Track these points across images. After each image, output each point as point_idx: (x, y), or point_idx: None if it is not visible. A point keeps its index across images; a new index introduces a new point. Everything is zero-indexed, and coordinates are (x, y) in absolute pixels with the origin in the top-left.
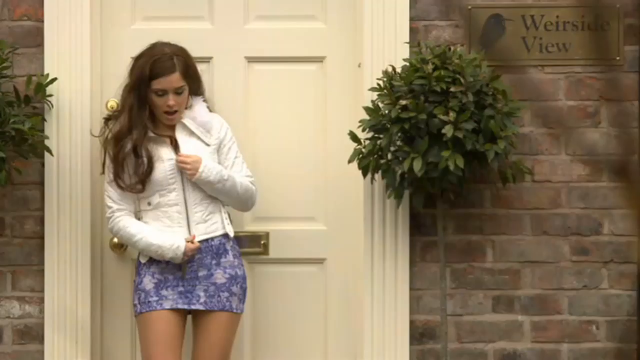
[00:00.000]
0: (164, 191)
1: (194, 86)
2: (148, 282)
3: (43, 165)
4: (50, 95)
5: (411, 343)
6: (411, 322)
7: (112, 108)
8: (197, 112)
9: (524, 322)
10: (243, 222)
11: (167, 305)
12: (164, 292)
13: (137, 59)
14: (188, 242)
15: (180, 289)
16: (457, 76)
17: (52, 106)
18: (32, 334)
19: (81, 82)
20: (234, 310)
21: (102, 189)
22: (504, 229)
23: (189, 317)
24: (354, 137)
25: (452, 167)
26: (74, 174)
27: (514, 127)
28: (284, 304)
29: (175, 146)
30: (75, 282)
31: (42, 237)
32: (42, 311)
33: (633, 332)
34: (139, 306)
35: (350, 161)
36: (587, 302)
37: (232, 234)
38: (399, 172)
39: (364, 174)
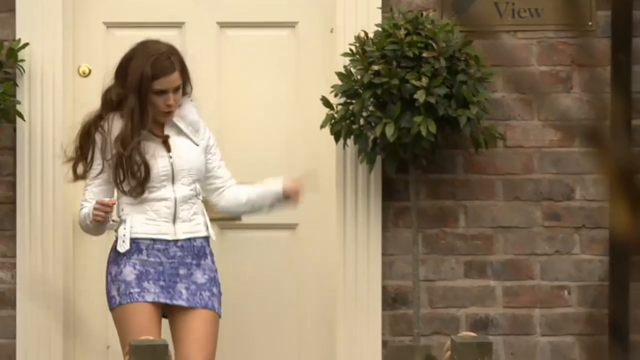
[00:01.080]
0: (153, 188)
1: (185, 84)
2: (129, 273)
3: (15, 130)
4: (22, 61)
5: (383, 308)
6: (383, 288)
7: (84, 73)
8: (186, 111)
9: (496, 287)
10: None
11: (149, 298)
12: (145, 285)
13: (129, 60)
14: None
15: (162, 283)
16: (430, 42)
17: (24, 71)
18: (5, 300)
19: (53, 47)
20: (216, 310)
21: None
22: (477, 195)
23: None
24: (326, 103)
25: (424, 133)
26: (46, 139)
27: (486, 93)
28: (256, 270)
29: (165, 143)
30: (47, 248)
31: (14, 203)
32: (14, 277)
33: (604, 297)
34: (117, 298)
35: (322, 126)
36: (559, 267)
37: (214, 238)
38: (372, 137)
39: (337, 140)
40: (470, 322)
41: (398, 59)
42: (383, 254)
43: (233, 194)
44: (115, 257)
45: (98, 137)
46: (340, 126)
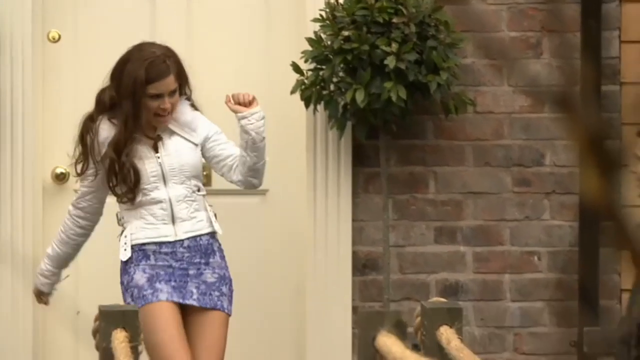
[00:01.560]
0: (145, 190)
1: (182, 86)
2: (140, 278)
3: None
4: None
5: (353, 274)
6: (353, 254)
7: (54, 39)
8: (179, 112)
9: (466, 253)
10: None
11: (163, 297)
12: (157, 285)
13: (124, 63)
14: (41, 297)
15: (173, 283)
16: (400, 7)
17: None
18: None
19: (22, 12)
20: (226, 311)
21: (44, 119)
22: (447, 161)
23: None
24: (296, 68)
25: (394, 99)
26: (15, 105)
27: (457, 59)
28: (226, 236)
29: (155, 145)
30: (17, 213)
31: None
32: None
33: (574, 263)
34: (133, 303)
35: (292, 92)
36: (529, 233)
37: (220, 232)
38: (342, 103)
39: (307, 105)
40: (440, 287)
41: (368, 24)
42: (353, 220)
43: (237, 163)
44: (124, 266)
45: (88, 139)
46: (311, 92)
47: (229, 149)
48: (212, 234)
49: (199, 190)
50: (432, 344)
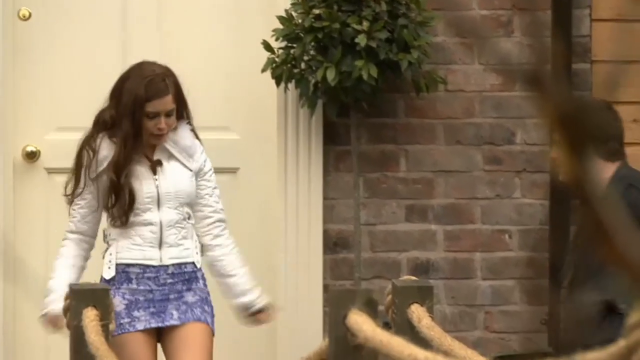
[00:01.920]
0: (138, 210)
1: (180, 109)
2: (119, 304)
3: None
4: None
5: (324, 252)
6: (324, 232)
7: (24, 17)
8: (179, 136)
9: (437, 231)
10: None
11: (140, 326)
12: (135, 313)
13: (124, 81)
14: (53, 318)
15: (152, 309)
16: None
17: None
18: None
19: None
20: (210, 324)
21: (14, 97)
22: (418, 139)
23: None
24: (267, 47)
25: (365, 77)
26: None
27: (428, 37)
28: None
29: (154, 167)
30: None
31: None
32: None
33: (545, 241)
34: None
35: (263, 70)
36: (500, 211)
37: (199, 265)
38: (313, 81)
39: (278, 84)
40: (411, 266)
41: (339, 2)
42: (324, 198)
43: (210, 230)
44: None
45: (85, 156)
46: (281, 70)
47: (212, 200)
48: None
49: (189, 218)
50: (403, 322)
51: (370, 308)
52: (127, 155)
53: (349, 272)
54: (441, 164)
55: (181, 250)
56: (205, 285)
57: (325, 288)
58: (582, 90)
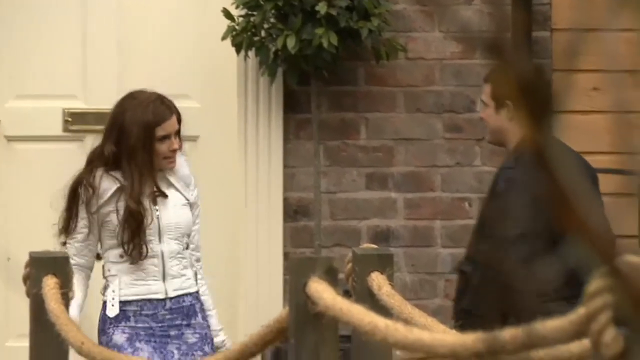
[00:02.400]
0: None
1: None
2: (119, 337)
3: None
4: None
5: (285, 220)
6: (285, 200)
7: None
8: (178, 164)
9: (397, 199)
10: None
11: (145, 356)
12: (137, 345)
13: (122, 115)
14: None
15: (153, 344)
16: None
17: None
18: None
19: None
20: None
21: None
22: (378, 107)
23: None
24: (227, 14)
25: (325, 45)
26: None
27: (388, 5)
28: None
29: (154, 197)
30: None
31: None
32: None
33: None
34: None
35: (223, 38)
36: (460, 179)
37: (196, 289)
38: (273, 49)
39: (238, 52)
40: (372, 233)
41: None
42: (284, 166)
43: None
44: (103, 326)
45: (84, 192)
46: (242, 38)
47: (196, 239)
48: (196, 294)
49: (187, 247)
50: (363, 290)
51: (331, 276)
52: (143, 182)
53: (309, 240)
54: (401, 132)
55: (183, 281)
56: (204, 318)
57: (286, 256)
58: (542, 58)
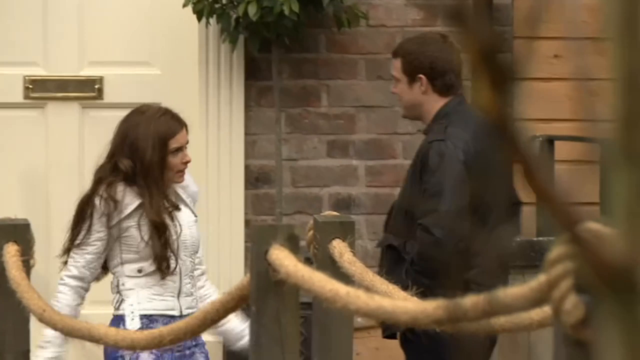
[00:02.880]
0: None
1: None
2: (147, 357)
3: None
4: None
5: (246, 187)
6: (246, 167)
7: None
8: (187, 181)
9: (358, 166)
10: (77, 67)
11: None
12: None
13: (134, 129)
14: None
15: None
16: None
17: None
18: None
19: None
20: None
21: None
22: (339, 74)
23: None
24: None
25: (287, 12)
26: None
27: None
28: None
29: (169, 213)
30: None
31: None
32: None
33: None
34: None
35: (184, 5)
36: None
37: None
38: (234, 16)
39: (199, 19)
40: (333, 201)
41: None
42: (246, 134)
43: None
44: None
45: (104, 206)
46: (203, 5)
47: (201, 251)
48: None
49: (197, 266)
50: (325, 257)
51: (292, 243)
52: (160, 195)
53: (270, 207)
54: (363, 99)
55: (192, 299)
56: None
57: (247, 223)
58: (504, 25)
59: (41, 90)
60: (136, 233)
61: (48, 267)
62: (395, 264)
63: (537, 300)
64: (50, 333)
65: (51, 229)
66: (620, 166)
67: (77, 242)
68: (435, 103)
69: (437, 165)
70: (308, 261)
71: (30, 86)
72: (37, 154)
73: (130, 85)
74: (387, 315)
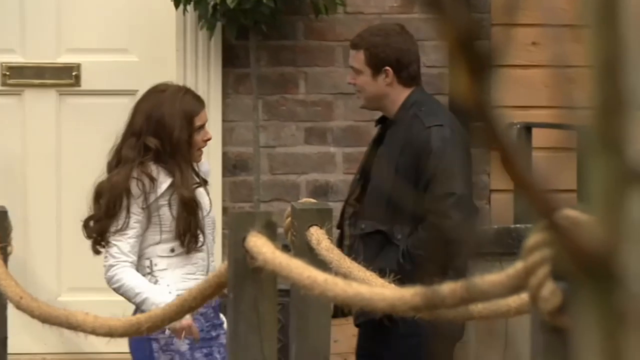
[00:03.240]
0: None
1: None
2: (182, 343)
3: None
4: None
5: (224, 175)
6: (224, 154)
7: None
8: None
9: (336, 153)
10: (55, 54)
11: None
12: (197, 355)
13: (159, 107)
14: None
15: (205, 350)
16: None
17: None
18: None
19: None
20: None
21: None
22: (317, 61)
23: None
24: None
25: None
26: None
27: None
28: (95, 136)
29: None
30: None
31: None
32: None
33: None
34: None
35: None
36: None
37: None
38: (212, 3)
39: (176, 6)
40: (311, 188)
41: None
42: (223, 121)
43: None
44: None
45: (140, 186)
46: None
47: None
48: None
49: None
50: (302, 244)
51: (270, 230)
52: (188, 176)
53: (248, 194)
54: (340, 86)
55: None
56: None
57: (225, 210)
58: (482, 12)
59: (18, 77)
60: (168, 212)
61: (26, 254)
62: (381, 249)
63: (515, 287)
64: (143, 286)
65: (28, 216)
66: (598, 153)
67: (118, 227)
68: (400, 94)
69: (442, 150)
70: (286, 248)
71: (7, 73)
72: (14, 141)
73: (108, 72)
74: (365, 302)
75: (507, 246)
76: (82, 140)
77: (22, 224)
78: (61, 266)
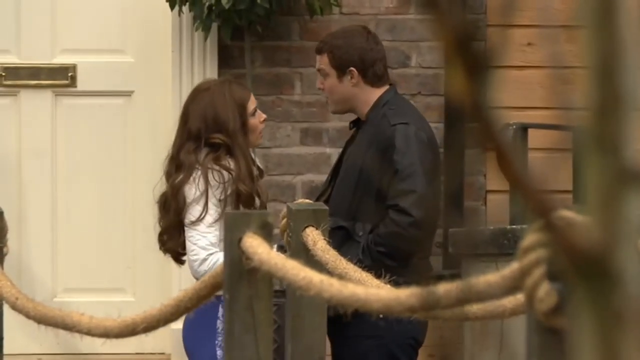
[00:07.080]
0: None
1: None
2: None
3: None
4: None
5: None
6: None
7: None
8: None
9: (331, 154)
10: (50, 54)
11: None
12: None
13: (211, 104)
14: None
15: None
16: None
17: None
18: None
19: None
20: None
21: None
22: (312, 62)
23: None
24: None
25: None
26: None
27: None
28: (91, 137)
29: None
30: None
31: None
32: None
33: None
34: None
35: None
36: None
37: None
38: (207, 4)
39: (172, 7)
40: (306, 189)
41: None
42: None
43: None
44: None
45: (216, 176)
46: None
47: None
48: None
49: None
50: (298, 245)
51: (265, 231)
52: (248, 167)
53: None
54: None
55: None
56: None
57: None
58: (477, 13)
59: (14, 77)
60: (233, 203)
61: (21, 254)
62: (343, 244)
63: (510, 287)
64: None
65: (24, 217)
66: (593, 154)
67: (201, 218)
68: (370, 94)
69: (406, 147)
70: (281, 249)
71: (3, 74)
72: (10, 142)
73: (104, 73)
74: (361, 303)
75: (502, 247)
76: (78, 140)
77: (18, 225)
78: (57, 267)
